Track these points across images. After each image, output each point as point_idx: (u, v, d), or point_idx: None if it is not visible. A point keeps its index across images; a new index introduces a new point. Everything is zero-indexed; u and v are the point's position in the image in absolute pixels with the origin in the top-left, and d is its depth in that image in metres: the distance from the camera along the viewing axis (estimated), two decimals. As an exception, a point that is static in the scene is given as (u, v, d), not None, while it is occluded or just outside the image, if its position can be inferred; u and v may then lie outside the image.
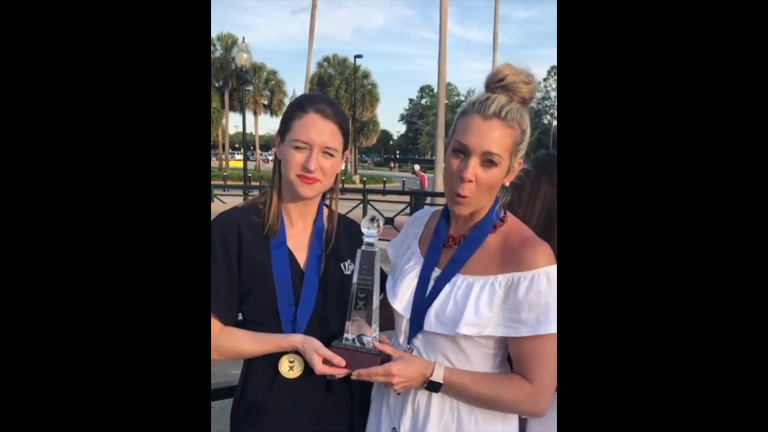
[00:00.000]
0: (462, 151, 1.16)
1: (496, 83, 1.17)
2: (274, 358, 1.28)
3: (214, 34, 41.64)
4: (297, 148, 1.26)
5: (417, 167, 18.81)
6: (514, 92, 1.16)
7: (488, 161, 1.14)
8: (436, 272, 1.26)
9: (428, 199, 12.99)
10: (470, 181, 1.14)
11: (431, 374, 1.15)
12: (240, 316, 1.34)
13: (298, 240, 1.37)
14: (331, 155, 1.29)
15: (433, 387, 1.17)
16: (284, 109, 1.37)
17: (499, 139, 1.13)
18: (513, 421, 1.25)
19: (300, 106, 1.29)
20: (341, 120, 1.31)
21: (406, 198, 13.14)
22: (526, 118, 1.18)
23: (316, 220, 1.41)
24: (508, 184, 1.23)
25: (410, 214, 11.76)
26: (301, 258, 1.35)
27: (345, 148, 1.34)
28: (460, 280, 1.20)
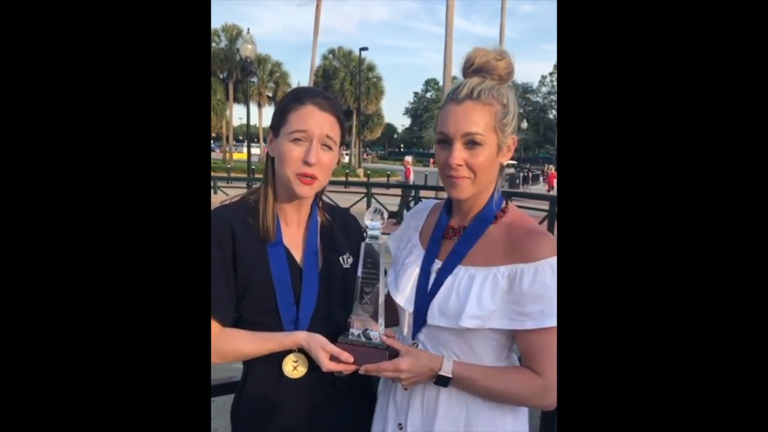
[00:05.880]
0: (444, 141, 1.17)
1: (468, 68, 1.19)
2: (276, 357, 1.24)
3: (219, 25, 41.57)
4: (295, 140, 1.22)
5: (407, 158, 18.64)
6: (489, 72, 1.17)
7: (471, 142, 1.14)
8: (438, 264, 1.24)
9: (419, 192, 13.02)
10: (459, 165, 1.15)
11: (440, 368, 1.14)
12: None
13: (294, 237, 1.33)
14: (330, 148, 1.25)
15: (441, 381, 1.15)
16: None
17: (478, 119, 1.14)
18: (522, 415, 1.25)
19: (296, 98, 1.25)
20: (338, 112, 1.28)
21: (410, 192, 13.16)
22: (505, 93, 1.18)
23: (311, 214, 1.36)
24: (506, 162, 1.23)
25: (399, 206, 11.79)
26: (298, 254, 1.31)
27: (341, 143, 1.31)
28: (462, 272, 1.19)
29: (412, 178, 18.03)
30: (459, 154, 1.14)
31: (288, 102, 1.26)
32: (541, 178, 32.71)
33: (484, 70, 1.17)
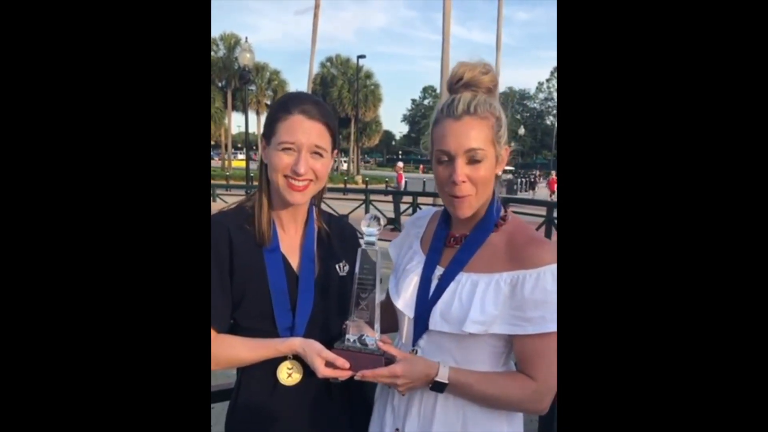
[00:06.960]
0: (445, 158, 1.17)
1: (456, 84, 1.19)
2: (270, 364, 1.24)
3: (217, 33, 41.59)
4: (285, 150, 1.21)
5: (399, 164, 18.91)
6: (476, 86, 1.18)
7: (474, 159, 1.15)
8: (439, 271, 1.25)
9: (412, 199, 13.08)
10: (463, 182, 1.15)
11: (436, 374, 1.15)
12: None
13: (290, 243, 1.33)
14: (321, 155, 1.25)
15: (437, 387, 1.16)
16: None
17: (477, 135, 1.14)
18: (518, 421, 1.25)
19: (284, 107, 1.24)
20: (327, 119, 1.26)
21: (410, 198, 13.18)
22: (496, 105, 1.19)
23: (307, 221, 1.36)
24: (500, 172, 1.24)
25: (395, 213, 11.82)
26: (294, 261, 1.31)
27: (334, 147, 1.30)
28: (464, 279, 1.20)
29: (403, 183, 18.33)
30: (462, 170, 1.14)
31: (276, 111, 1.26)
32: (540, 183, 33.12)
33: (472, 84, 1.18)
